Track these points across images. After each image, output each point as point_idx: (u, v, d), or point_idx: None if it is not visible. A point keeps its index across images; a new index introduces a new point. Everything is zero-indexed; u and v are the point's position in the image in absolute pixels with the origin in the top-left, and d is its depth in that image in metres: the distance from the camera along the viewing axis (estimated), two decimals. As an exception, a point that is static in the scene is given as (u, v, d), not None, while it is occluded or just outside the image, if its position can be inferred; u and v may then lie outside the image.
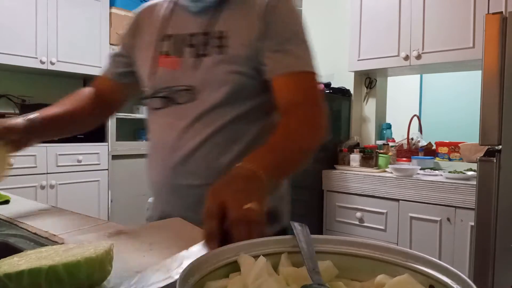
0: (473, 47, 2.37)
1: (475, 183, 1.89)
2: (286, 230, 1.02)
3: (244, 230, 0.57)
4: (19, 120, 0.96)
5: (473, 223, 1.96)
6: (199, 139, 0.94)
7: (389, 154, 2.73)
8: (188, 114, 0.95)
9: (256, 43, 0.93)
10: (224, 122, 0.94)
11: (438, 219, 2.21)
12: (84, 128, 1.17)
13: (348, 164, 2.73)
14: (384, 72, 2.93)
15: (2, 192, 1.19)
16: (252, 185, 0.65)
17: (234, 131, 0.94)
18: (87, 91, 1.16)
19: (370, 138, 3.12)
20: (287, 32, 0.94)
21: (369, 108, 3.12)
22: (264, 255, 0.54)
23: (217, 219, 0.58)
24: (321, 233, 2.67)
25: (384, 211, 2.42)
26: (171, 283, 0.51)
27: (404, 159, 2.75)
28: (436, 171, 2.52)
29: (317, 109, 0.92)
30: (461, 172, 2.32)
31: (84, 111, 1.10)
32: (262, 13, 0.93)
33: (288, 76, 0.93)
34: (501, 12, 1.83)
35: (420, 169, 2.52)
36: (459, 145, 2.64)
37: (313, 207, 2.79)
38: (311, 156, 0.97)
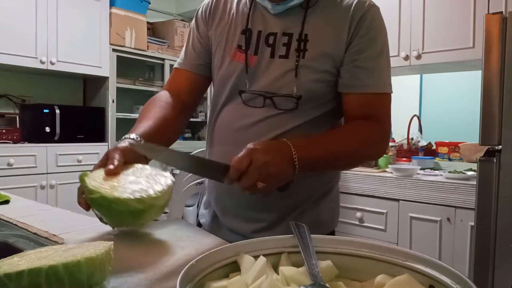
0: (473, 47, 2.37)
1: (475, 183, 1.89)
2: (333, 233, 1.06)
3: (249, 188, 0.77)
4: (128, 144, 0.83)
5: (473, 223, 1.96)
6: (260, 139, 0.90)
7: (389, 154, 2.72)
8: (253, 115, 0.93)
9: (338, 52, 0.91)
10: (289, 128, 0.92)
11: (438, 219, 2.21)
12: (173, 139, 1.03)
13: (348, 164, 2.73)
14: (384, 72, 2.92)
15: (2, 192, 1.19)
16: (283, 173, 0.79)
17: (294, 137, 0.90)
18: (164, 97, 1.02)
19: (370, 138, 3.11)
20: (375, 50, 0.92)
21: (369, 108, 3.10)
22: (264, 255, 0.54)
23: (240, 173, 0.76)
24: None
25: (384, 211, 2.42)
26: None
27: (404, 159, 2.75)
28: (436, 171, 2.52)
29: (379, 126, 0.94)
30: (461, 172, 2.32)
31: (170, 122, 0.97)
32: (350, 22, 0.90)
33: (365, 96, 0.92)
34: (501, 12, 1.83)
35: (420, 169, 2.52)
36: (459, 145, 2.64)
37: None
38: (354, 165, 1.04)
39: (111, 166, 0.75)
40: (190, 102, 1.06)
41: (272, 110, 0.93)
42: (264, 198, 0.94)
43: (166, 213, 2.57)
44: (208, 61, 1.04)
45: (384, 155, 2.66)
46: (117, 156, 0.78)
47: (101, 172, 0.75)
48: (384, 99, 0.95)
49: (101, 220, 0.75)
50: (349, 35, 0.90)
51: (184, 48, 1.08)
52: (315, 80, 0.91)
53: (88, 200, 0.71)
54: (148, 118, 0.93)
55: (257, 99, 0.94)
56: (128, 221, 0.71)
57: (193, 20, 1.08)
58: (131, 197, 0.68)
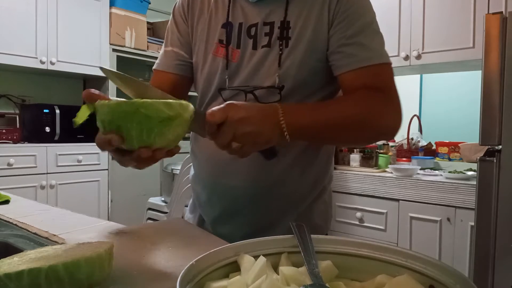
0: (473, 47, 2.37)
1: (475, 183, 1.89)
2: (327, 234, 1.02)
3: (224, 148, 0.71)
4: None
5: (473, 223, 1.96)
6: None
7: (389, 154, 2.72)
8: None
9: (321, 36, 0.87)
10: None
11: (438, 219, 2.21)
12: None
13: (348, 164, 2.73)
14: (384, 72, 2.92)
15: (2, 192, 1.19)
16: (261, 134, 0.71)
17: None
18: None
19: (370, 138, 3.10)
20: (361, 23, 0.87)
21: (369, 108, 3.10)
22: (264, 255, 0.54)
23: (216, 128, 0.69)
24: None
25: (384, 211, 2.42)
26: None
27: (404, 159, 2.75)
28: (436, 171, 2.52)
29: (383, 95, 0.85)
30: (461, 172, 2.32)
31: None
32: (330, 1, 0.87)
33: (361, 71, 0.85)
34: (501, 12, 1.83)
35: (420, 169, 2.52)
36: (459, 145, 2.64)
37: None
38: (360, 139, 0.92)
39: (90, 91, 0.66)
40: None
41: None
42: (257, 201, 0.91)
43: (166, 213, 2.58)
44: (190, 60, 1.00)
45: (384, 155, 2.66)
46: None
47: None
48: (383, 69, 0.87)
49: (115, 152, 0.65)
50: (330, 14, 0.87)
51: (163, 48, 1.03)
52: (300, 68, 0.87)
53: (107, 116, 0.62)
54: None
55: (238, 95, 0.90)
56: (156, 131, 0.62)
57: (171, 17, 1.03)
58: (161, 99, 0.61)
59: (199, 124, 0.70)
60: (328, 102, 0.89)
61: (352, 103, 0.84)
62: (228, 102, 0.71)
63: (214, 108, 0.69)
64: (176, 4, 1.02)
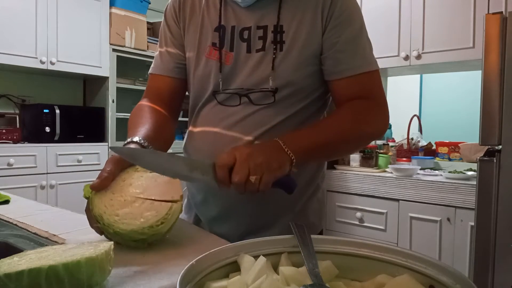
0: (473, 47, 2.37)
1: (475, 183, 1.89)
2: (321, 233, 1.04)
3: (244, 187, 0.73)
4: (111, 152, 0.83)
5: (473, 223, 1.96)
6: (244, 139, 0.89)
7: (389, 154, 2.72)
8: (231, 115, 0.90)
9: (315, 39, 0.88)
10: (272, 125, 0.89)
11: (438, 219, 2.21)
12: (170, 141, 0.98)
13: (348, 164, 2.73)
14: (384, 72, 2.93)
15: (2, 192, 1.19)
16: (272, 161, 0.75)
17: (280, 133, 0.87)
18: (148, 104, 0.97)
19: (370, 138, 3.10)
20: (353, 29, 0.89)
21: (369, 108, 3.09)
22: (264, 255, 0.54)
23: (227, 171, 0.74)
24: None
25: (384, 211, 2.42)
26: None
27: (404, 159, 2.75)
28: (436, 171, 2.52)
29: (372, 102, 0.90)
30: (461, 172, 2.32)
31: (165, 125, 0.95)
32: (323, 5, 0.87)
33: (352, 79, 0.89)
34: (501, 12, 1.83)
35: (420, 169, 2.52)
36: (459, 145, 2.64)
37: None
38: (356, 147, 1.01)
39: (96, 181, 0.74)
40: (174, 106, 1.02)
41: (250, 107, 0.89)
42: (254, 201, 0.91)
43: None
44: (184, 62, 0.99)
45: (384, 155, 2.66)
46: (108, 168, 0.75)
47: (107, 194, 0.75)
48: (372, 76, 0.91)
49: None
50: (323, 19, 0.88)
51: (157, 52, 1.03)
52: (294, 71, 0.88)
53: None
54: (143, 123, 0.89)
55: (233, 97, 0.90)
56: (132, 245, 0.70)
57: (163, 20, 1.02)
58: (133, 228, 0.68)
59: (208, 173, 0.75)
60: (321, 122, 0.94)
61: (343, 118, 0.89)
62: (230, 148, 0.76)
63: (221, 155, 0.75)
64: (167, 6, 1.02)
